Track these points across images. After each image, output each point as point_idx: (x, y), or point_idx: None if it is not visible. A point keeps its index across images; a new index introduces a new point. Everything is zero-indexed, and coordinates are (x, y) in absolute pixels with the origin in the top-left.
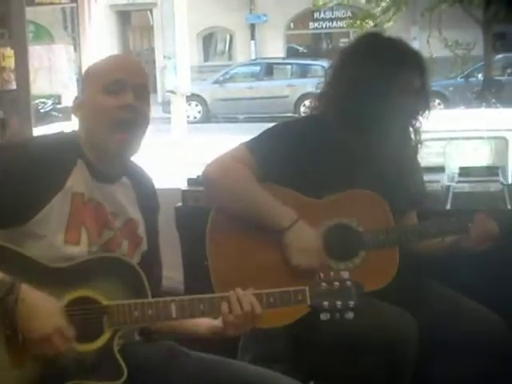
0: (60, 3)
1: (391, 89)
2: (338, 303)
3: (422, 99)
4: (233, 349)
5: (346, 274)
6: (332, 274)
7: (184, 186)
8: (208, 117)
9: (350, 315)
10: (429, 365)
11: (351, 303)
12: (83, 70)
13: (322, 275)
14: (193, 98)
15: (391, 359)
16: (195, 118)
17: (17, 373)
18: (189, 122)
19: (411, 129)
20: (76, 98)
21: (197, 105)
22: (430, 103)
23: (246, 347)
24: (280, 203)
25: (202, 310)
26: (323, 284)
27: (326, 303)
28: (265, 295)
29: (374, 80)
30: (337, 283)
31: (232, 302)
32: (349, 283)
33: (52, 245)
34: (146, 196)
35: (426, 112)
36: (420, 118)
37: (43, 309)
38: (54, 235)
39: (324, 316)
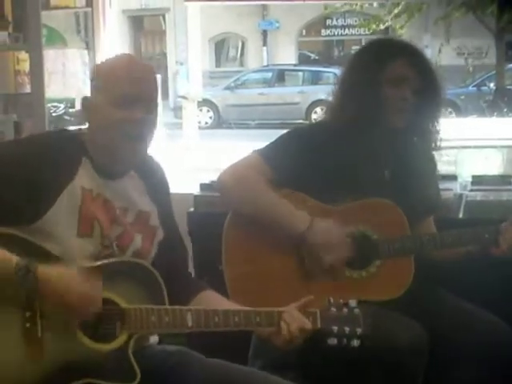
0: (75, 7)
1: (380, 82)
2: (347, 329)
3: (424, 97)
4: (243, 355)
5: (353, 303)
6: (341, 300)
7: (196, 191)
8: (219, 122)
9: (357, 343)
10: (441, 377)
11: (358, 330)
12: None
13: (331, 300)
14: (204, 103)
15: (400, 370)
16: (206, 123)
17: (31, 367)
18: (200, 128)
19: (425, 133)
20: (85, 98)
21: (208, 110)
22: (437, 103)
23: (257, 354)
24: (293, 208)
25: (216, 322)
26: (333, 309)
27: (334, 328)
28: (276, 313)
29: (363, 76)
30: (345, 309)
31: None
32: (357, 311)
33: (64, 239)
34: (156, 183)
35: (437, 117)
36: (432, 122)
37: (63, 281)
38: (66, 229)
39: (331, 341)
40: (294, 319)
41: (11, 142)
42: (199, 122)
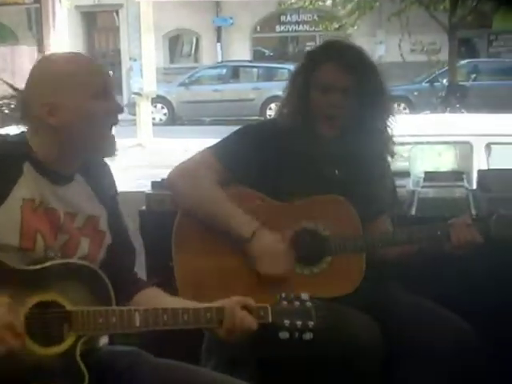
0: (24, 3)
1: (309, 89)
2: (298, 323)
3: (363, 100)
4: (197, 352)
5: (305, 296)
6: (292, 294)
7: (148, 189)
8: (174, 119)
9: (309, 336)
10: (396, 373)
11: (310, 323)
12: None
13: (283, 294)
14: (158, 100)
15: (355, 365)
16: (161, 120)
17: None
18: (154, 125)
19: (374, 132)
20: (46, 104)
21: (162, 107)
22: (381, 103)
23: (210, 350)
24: (241, 212)
25: (165, 320)
26: (284, 302)
27: (286, 322)
28: (226, 309)
29: (296, 81)
30: (297, 303)
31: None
32: (309, 304)
33: (6, 252)
34: (103, 186)
35: (384, 115)
36: (379, 121)
37: None
38: (7, 243)
39: (283, 335)
40: (235, 316)
41: None
42: (153, 119)
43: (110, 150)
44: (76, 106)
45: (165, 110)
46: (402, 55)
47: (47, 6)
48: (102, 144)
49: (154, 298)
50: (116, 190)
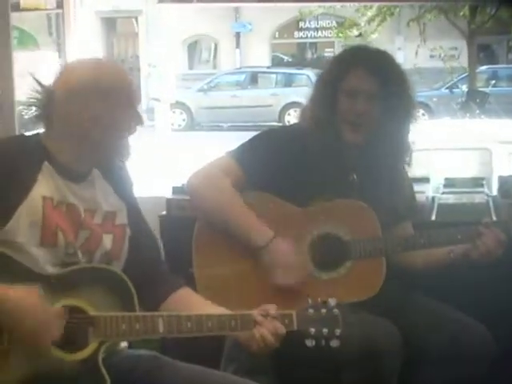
0: (46, 9)
1: (336, 94)
2: (325, 330)
3: (389, 110)
4: (217, 358)
5: (333, 301)
6: (319, 300)
7: (168, 194)
8: (192, 125)
9: (336, 343)
10: (413, 376)
11: (337, 331)
12: None
13: (310, 300)
14: (177, 105)
15: (375, 371)
16: (179, 125)
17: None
18: (173, 130)
19: (395, 138)
20: (93, 117)
21: (181, 112)
22: (406, 114)
23: (231, 357)
24: (257, 219)
25: (189, 327)
26: (310, 310)
27: (312, 329)
28: (252, 317)
29: (323, 85)
30: (324, 310)
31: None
32: (336, 311)
33: (27, 249)
34: (121, 180)
35: (407, 128)
36: (402, 134)
37: (22, 307)
38: (29, 239)
39: (309, 342)
40: (267, 323)
41: None
42: (172, 124)
43: (126, 154)
44: (117, 118)
45: (183, 116)
46: (415, 65)
47: (69, 11)
48: (120, 150)
49: (189, 299)
50: (133, 185)
